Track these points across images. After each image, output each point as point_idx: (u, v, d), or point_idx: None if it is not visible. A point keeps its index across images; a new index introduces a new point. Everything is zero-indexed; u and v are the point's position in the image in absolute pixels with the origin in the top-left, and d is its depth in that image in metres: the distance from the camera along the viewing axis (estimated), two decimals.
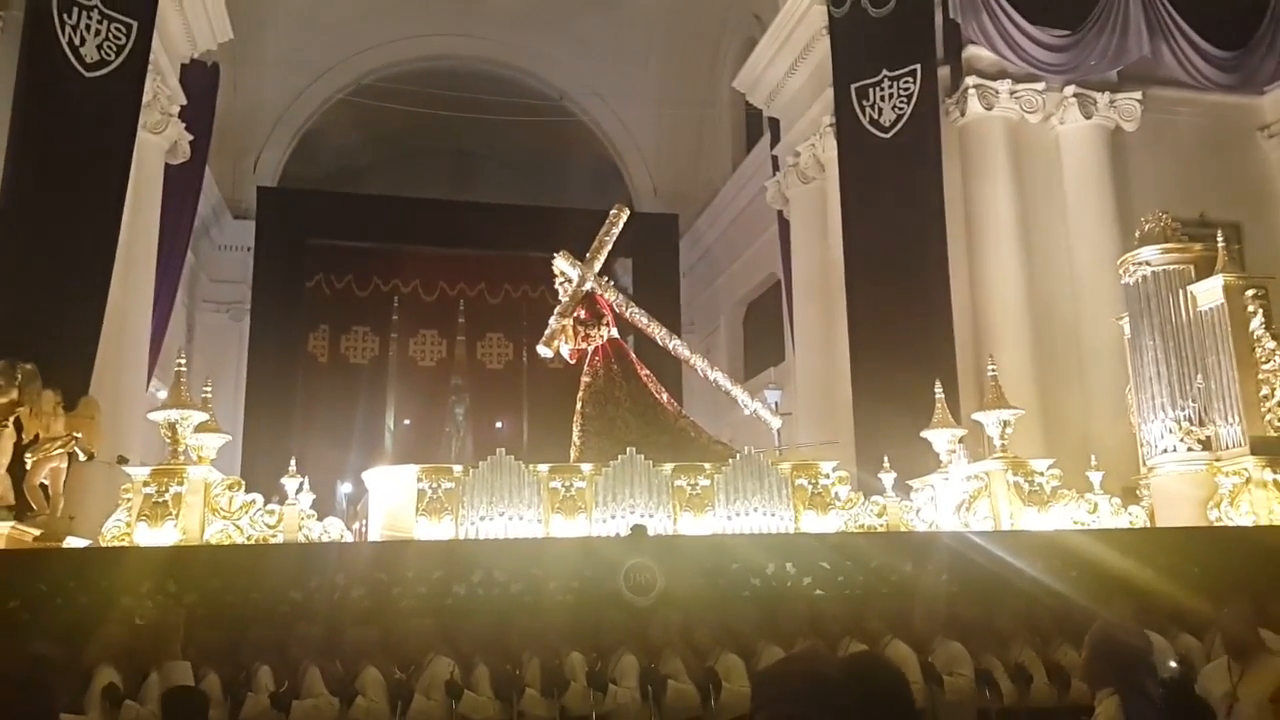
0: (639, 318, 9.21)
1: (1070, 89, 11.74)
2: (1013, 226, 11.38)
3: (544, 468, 7.45)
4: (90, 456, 8.04)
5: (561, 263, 9.05)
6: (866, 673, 2.19)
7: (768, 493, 7.45)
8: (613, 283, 9.38)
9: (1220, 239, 8.59)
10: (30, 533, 7.19)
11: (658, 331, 9.26)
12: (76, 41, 9.51)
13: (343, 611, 5.96)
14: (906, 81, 11.34)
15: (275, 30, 16.72)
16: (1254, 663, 4.04)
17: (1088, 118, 11.76)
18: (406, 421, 17.79)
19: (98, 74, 9.59)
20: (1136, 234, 9.06)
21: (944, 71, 11.75)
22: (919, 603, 6.11)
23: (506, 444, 8.12)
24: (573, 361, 8.99)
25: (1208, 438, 8.22)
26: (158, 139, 11.18)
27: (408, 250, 17.43)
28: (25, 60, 9.33)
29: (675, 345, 9.43)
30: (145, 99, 10.25)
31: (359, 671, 5.50)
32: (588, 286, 8.94)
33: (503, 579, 6.19)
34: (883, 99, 11.36)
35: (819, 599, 6.26)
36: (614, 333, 8.92)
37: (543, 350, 9.00)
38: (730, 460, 7.65)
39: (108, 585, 5.91)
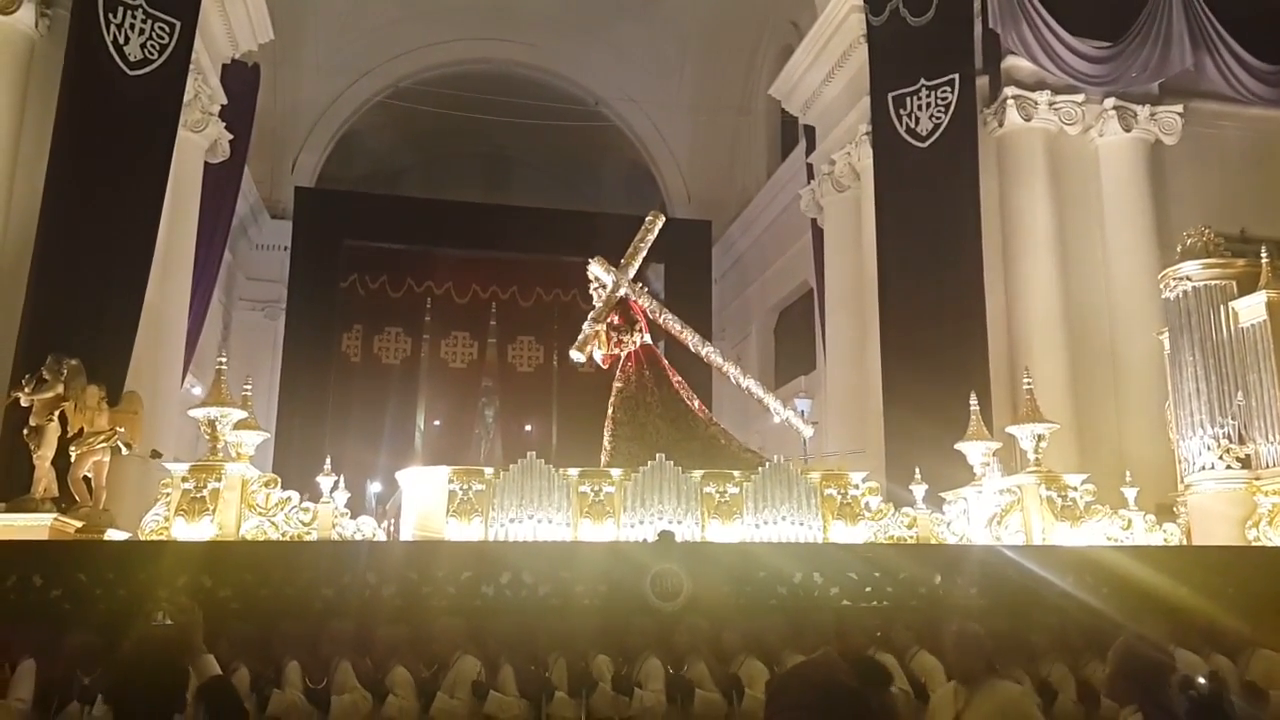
0: (672, 324, 9.23)
1: (1110, 101, 11.60)
2: (1049, 239, 11.26)
3: (574, 472, 7.48)
4: (130, 449, 8.17)
5: (596, 268, 9.09)
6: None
7: (796, 501, 7.43)
8: (646, 289, 9.40)
9: (1264, 254, 8.45)
10: (72, 524, 7.33)
11: (690, 338, 9.27)
12: (120, 40, 9.70)
13: (374, 609, 6.02)
14: (944, 91, 11.27)
15: (315, 32, 16.99)
16: (980, 689, 3.90)
17: (1127, 130, 11.61)
18: (436, 422, 17.95)
19: (140, 72, 9.77)
20: (1178, 248, 8.95)
21: (982, 81, 11.67)
22: (948, 616, 6.05)
23: (535, 447, 8.14)
24: (605, 366, 9.02)
25: (1247, 456, 8.12)
26: (198, 138, 11.36)
27: (441, 252, 17.62)
28: (70, 58, 9.51)
29: (707, 352, 9.43)
30: (186, 98, 10.44)
31: (389, 670, 5.55)
32: (622, 292, 8.97)
33: (531, 581, 6.23)
34: (920, 108, 11.30)
35: (846, 609, 6.23)
36: (647, 339, 8.94)
37: (576, 355, 9.04)
38: (759, 468, 7.64)
39: (146, 578, 6.01)
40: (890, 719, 2.21)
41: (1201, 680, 4.54)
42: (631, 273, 9.09)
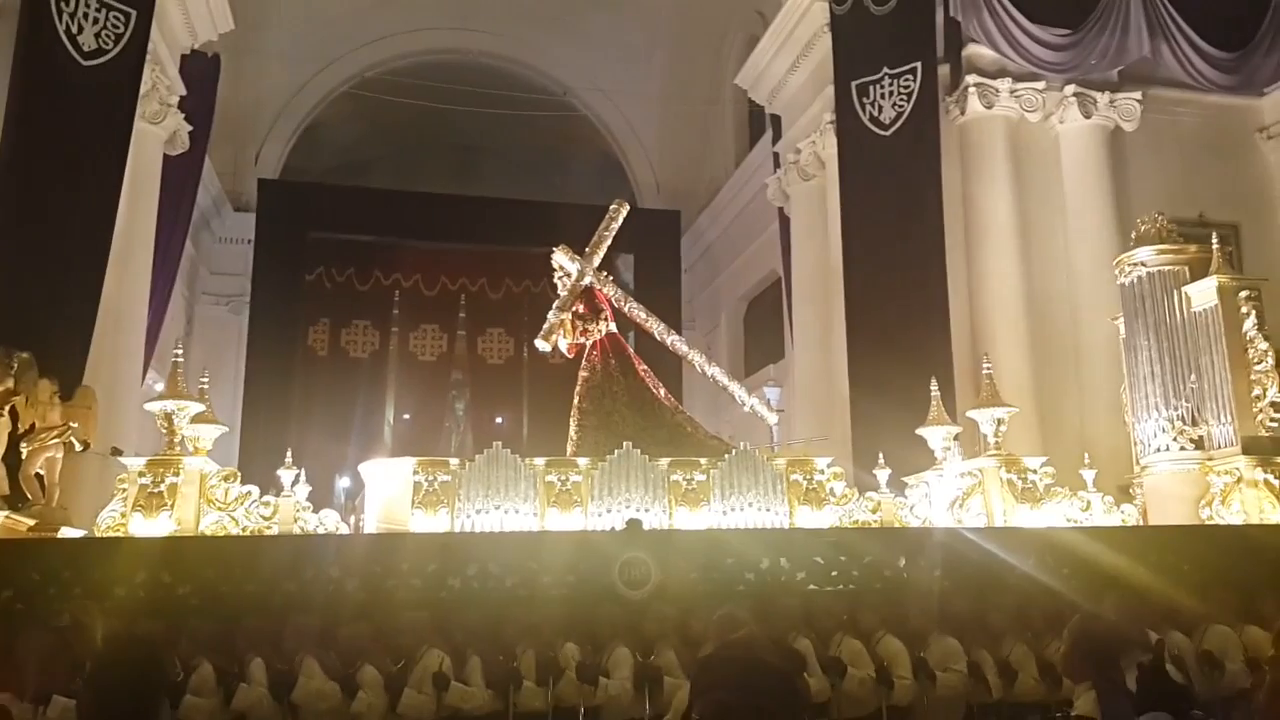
0: (637, 313, 9.23)
1: (1070, 88, 11.74)
2: (1011, 225, 11.39)
3: (540, 461, 7.46)
4: (86, 446, 8.01)
5: (561, 257, 9.06)
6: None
7: (763, 488, 7.46)
8: (612, 278, 9.40)
9: (1215, 240, 8.62)
10: (25, 522, 7.18)
11: (656, 327, 9.28)
12: (74, 30, 9.50)
13: (337, 603, 5.96)
14: (907, 79, 11.34)
15: (278, 22, 16.70)
16: None
17: (1087, 117, 11.76)
18: (406, 416, 17.79)
19: (95, 63, 9.58)
20: (1133, 235, 9.09)
21: (944, 70, 11.76)
22: (913, 599, 6.12)
23: (506, 439, 8.12)
24: (571, 356, 9.00)
25: (1200, 437, 8.28)
26: (156, 129, 11.17)
27: (409, 244, 17.43)
28: (21, 48, 9.29)
29: (673, 341, 9.45)
30: (143, 89, 10.25)
31: (357, 669, 5.50)
32: (586, 281, 8.95)
33: (498, 572, 6.19)
34: (883, 96, 11.37)
35: (812, 594, 6.27)
36: (612, 328, 8.93)
37: (541, 344, 9.02)
38: (726, 455, 7.66)
39: (102, 575, 5.91)
40: (804, 700, 2.23)
41: (1144, 652, 4.64)
42: (596, 261, 9.08)
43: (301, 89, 18.19)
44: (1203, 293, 8.41)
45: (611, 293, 9.07)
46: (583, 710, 5.48)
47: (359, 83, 18.27)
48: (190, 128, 11.90)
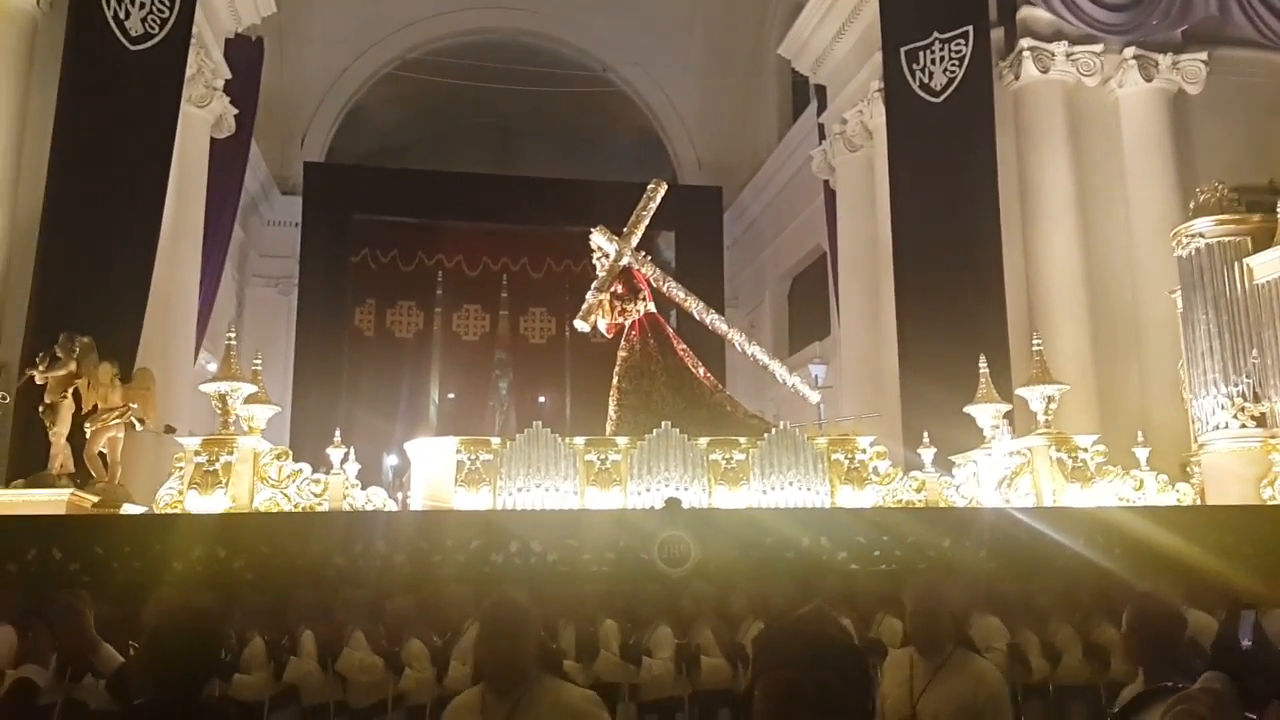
0: (676, 292, 9.17)
1: (1130, 51, 11.25)
2: (1069, 195, 11.01)
3: (580, 440, 7.49)
4: (144, 425, 8.27)
5: (599, 238, 9.03)
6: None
7: (803, 467, 7.40)
8: (650, 257, 9.33)
9: None
10: (88, 499, 7.44)
11: (694, 305, 9.21)
12: (121, 15, 9.69)
13: (385, 577, 6.08)
14: (958, 44, 10.99)
15: (320, 5, 16.84)
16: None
17: (1148, 81, 11.27)
18: (451, 395, 18.02)
19: (142, 47, 9.75)
20: (1191, 205, 8.74)
21: (997, 33, 11.36)
22: (957, 578, 6.02)
23: (549, 418, 8.16)
24: (610, 336, 8.99)
25: (1262, 414, 8.00)
26: (202, 113, 11.33)
27: (452, 225, 17.57)
28: (71, 35, 9.51)
29: (712, 320, 9.37)
30: (189, 73, 10.39)
31: (403, 644, 5.59)
32: (624, 261, 8.91)
33: (539, 549, 6.25)
34: (933, 62, 11.04)
35: (853, 573, 6.22)
36: (651, 307, 8.90)
37: (580, 325, 9.03)
38: (766, 434, 7.60)
39: (161, 550, 6.11)
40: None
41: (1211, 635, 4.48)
42: (634, 241, 9.02)
43: (344, 72, 18.32)
44: (1266, 264, 8.09)
45: (650, 272, 9.02)
46: (626, 689, 5.51)
47: (401, 64, 18.34)
48: (236, 111, 12.04)
